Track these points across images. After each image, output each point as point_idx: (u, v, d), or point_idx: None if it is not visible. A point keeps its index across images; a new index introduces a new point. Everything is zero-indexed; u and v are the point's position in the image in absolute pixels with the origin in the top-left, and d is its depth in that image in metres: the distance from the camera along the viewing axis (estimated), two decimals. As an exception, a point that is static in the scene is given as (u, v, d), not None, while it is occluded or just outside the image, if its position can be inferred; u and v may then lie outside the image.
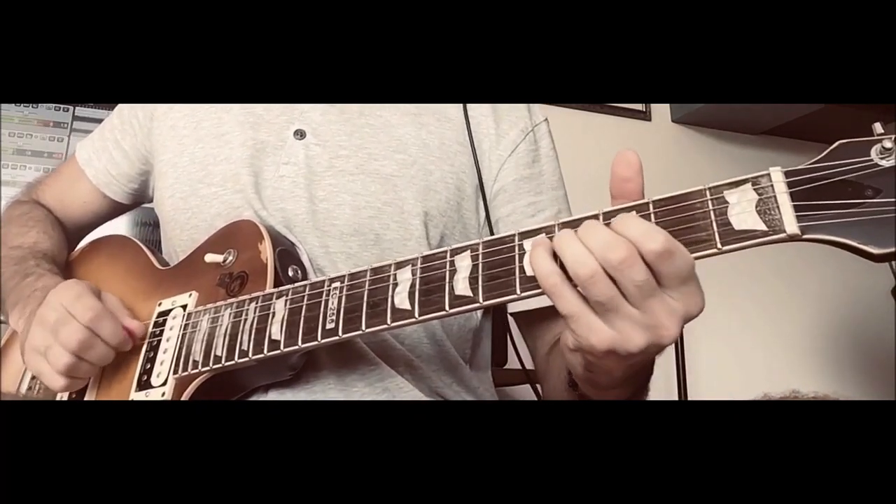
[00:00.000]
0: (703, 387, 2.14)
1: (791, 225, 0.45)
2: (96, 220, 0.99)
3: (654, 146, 2.39)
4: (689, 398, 1.85)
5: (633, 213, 0.49)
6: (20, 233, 0.88)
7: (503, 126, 0.85)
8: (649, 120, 2.43)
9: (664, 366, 2.06)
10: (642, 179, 0.51)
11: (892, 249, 0.43)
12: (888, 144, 0.45)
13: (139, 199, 0.97)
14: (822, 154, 0.47)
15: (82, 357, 0.67)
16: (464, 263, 0.55)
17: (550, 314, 0.77)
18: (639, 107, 2.42)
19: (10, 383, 0.84)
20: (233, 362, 0.65)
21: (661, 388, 2.10)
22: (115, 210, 0.98)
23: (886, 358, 2.33)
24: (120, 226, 1.06)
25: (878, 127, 0.46)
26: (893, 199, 0.43)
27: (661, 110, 2.46)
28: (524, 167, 0.84)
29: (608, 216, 0.50)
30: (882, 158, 0.45)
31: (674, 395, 1.85)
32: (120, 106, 0.96)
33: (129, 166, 0.93)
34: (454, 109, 0.85)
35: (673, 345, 1.98)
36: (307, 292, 0.63)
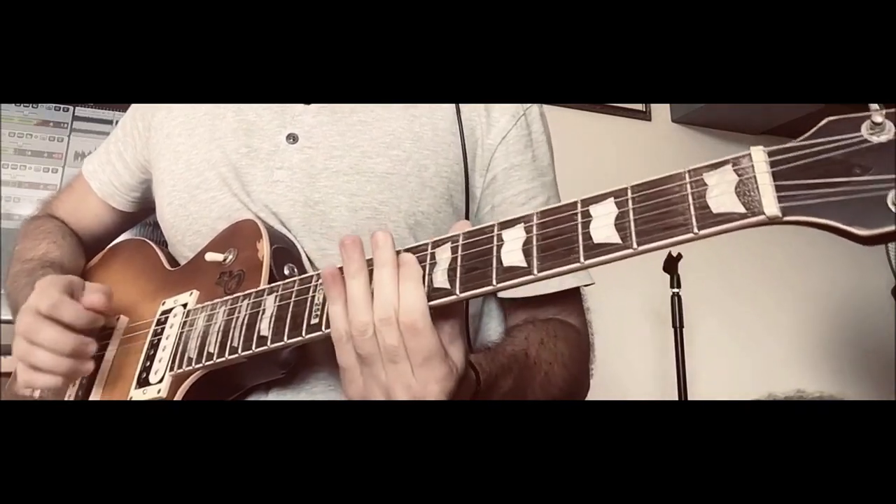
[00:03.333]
0: (703, 387, 2.14)
1: (771, 206, 0.42)
2: (110, 232, 1.01)
3: (654, 146, 2.38)
4: (689, 398, 1.85)
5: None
6: (32, 246, 0.92)
7: (494, 113, 0.84)
8: (649, 120, 2.43)
9: (664, 366, 2.06)
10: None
11: (880, 231, 0.39)
12: (878, 119, 0.41)
13: (145, 207, 0.99)
14: (810, 132, 0.43)
15: (33, 342, 0.69)
16: (444, 255, 0.54)
17: (522, 304, 0.81)
18: (639, 107, 2.42)
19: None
20: (224, 359, 0.65)
21: (662, 388, 2.10)
22: (126, 220, 1.01)
23: (886, 358, 2.33)
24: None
25: (874, 106, 0.42)
26: (883, 177, 0.39)
27: (661, 110, 2.46)
28: (515, 154, 0.84)
29: (586, 203, 0.50)
30: (872, 134, 0.41)
31: (674, 395, 1.84)
32: (123, 118, 0.99)
33: (131, 176, 0.96)
34: None
35: (673, 344, 1.96)
36: (296, 288, 0.63)
